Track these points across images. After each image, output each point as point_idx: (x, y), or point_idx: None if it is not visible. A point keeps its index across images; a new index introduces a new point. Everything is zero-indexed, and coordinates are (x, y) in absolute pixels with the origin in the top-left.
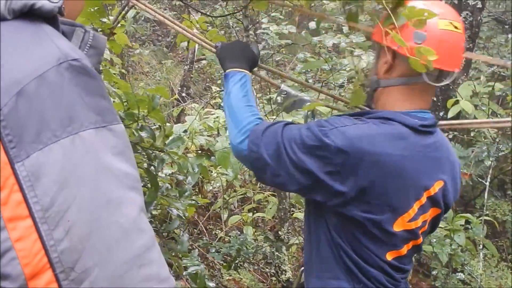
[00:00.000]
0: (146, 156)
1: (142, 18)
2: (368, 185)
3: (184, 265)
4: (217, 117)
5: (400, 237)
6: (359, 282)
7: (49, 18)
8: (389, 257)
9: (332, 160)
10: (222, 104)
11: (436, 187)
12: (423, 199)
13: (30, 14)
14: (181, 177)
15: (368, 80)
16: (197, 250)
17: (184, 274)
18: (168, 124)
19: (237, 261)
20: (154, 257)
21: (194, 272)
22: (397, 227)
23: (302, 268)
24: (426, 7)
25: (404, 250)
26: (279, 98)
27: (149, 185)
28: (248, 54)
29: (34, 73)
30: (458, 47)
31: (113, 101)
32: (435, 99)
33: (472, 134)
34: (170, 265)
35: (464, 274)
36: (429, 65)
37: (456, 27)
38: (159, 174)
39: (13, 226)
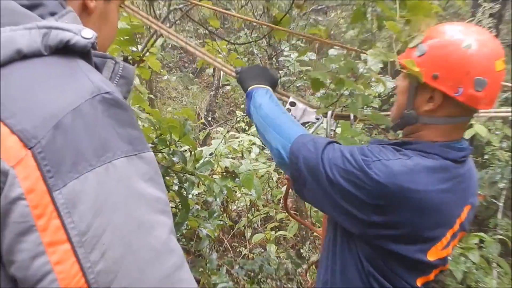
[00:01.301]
0: (177, 179)
1: (170, 46)
2: (405, 221)
3: (213, 282)
4: (241, 140)
5: (432, 265)
6: None
7: (83, 52)
8: (419, 282)
9: (370, 192)
10: (245, 128)
11: (465, 211)
12: (456, 227)
13: (65, 50)
14: (210, 199)
15: (398, 112)
16: (225, 267)
17: None
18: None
19: (259, 276)
20: (185, 276)
21: None
22: (431, 256)
23: None
24: (466, 33)
25: (432, 275)
26: (289, 108)
27: (180, 207)
28: (268, 75)
29: (70, 106)
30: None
31: (145, 126)
32: None
33: (486, 157)
34: (198, 281)
35: None
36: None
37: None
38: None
39: (53, 250)
